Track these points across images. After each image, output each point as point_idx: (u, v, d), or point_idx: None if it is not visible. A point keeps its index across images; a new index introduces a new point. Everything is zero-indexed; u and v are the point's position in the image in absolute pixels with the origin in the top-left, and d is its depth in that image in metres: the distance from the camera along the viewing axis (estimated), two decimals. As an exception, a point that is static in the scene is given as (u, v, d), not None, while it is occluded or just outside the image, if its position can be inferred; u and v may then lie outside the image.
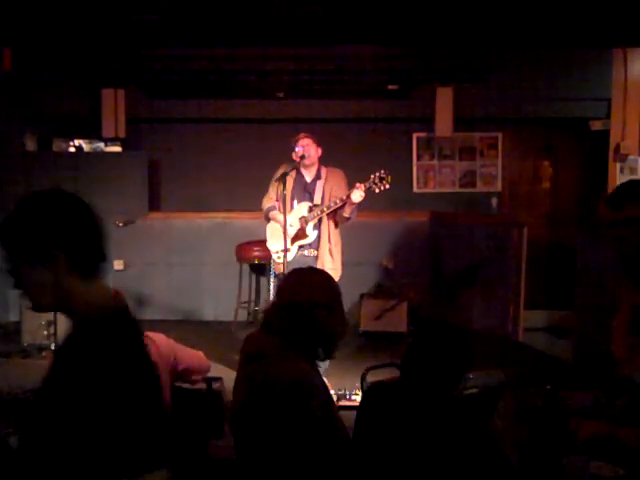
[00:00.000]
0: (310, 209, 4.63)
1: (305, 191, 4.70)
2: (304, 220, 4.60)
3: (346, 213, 4.53)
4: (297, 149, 4.63)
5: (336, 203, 4.49)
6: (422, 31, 6.07)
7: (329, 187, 4.66)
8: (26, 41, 6.32)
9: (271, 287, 5.21)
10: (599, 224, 2.53)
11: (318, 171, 4.74)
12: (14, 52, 6.47)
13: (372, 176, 4.44)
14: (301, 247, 4.65)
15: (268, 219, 4.80)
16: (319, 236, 4.63)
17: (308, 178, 4.72)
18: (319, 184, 4.70)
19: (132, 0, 5.14)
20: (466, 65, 6.64)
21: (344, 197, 4.45)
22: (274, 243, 4.75)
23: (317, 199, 4.67)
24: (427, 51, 6.56)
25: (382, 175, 4.43)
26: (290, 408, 1.98)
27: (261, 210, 4.85)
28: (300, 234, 4.62)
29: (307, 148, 4.63)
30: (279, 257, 4.65)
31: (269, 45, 6.48)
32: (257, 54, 6.57)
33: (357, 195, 4.37)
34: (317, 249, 4.64)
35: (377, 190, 4.44)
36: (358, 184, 4.40)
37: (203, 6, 5.29)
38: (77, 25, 5.81)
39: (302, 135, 4.71)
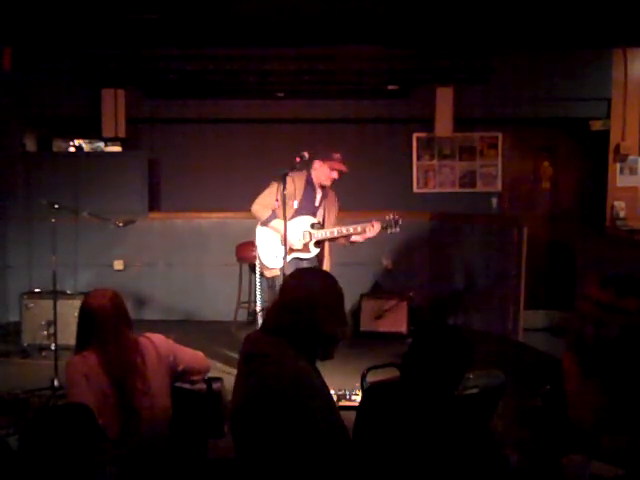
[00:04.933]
0: (313, 225, 4.74)
1: (313, 206, 4.80)
2: (310, 236, 4.72)
3: (351, 242, 4.71)
4: (331, 173, 4.66)
5: (348, 230, 4.62)
6: (422, 31, 6.08)
7: (328, 208, 4.84)
8: (26, 41, 6.32)
9: (258, 292, 5.17)
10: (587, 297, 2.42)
11: (324, 190, 4.84)
12: (14, 52, 6.47)
13: (387, 217, 4.60)
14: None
15: (263, 224, 4.83)
16: (321, 251, 4.80)
17: (318, 195, 4.82)
18: (322, 202, 4.84)
19: (131, 0, 5.14)
20: (466, 65, 6.64)
21: (359, 229, 4.59)
22: (268, 250, 4.80)
23: (319, 217, 4.81)
24: (427, 51, 6.56)
25: (396, 219, 4.59)
26: (290, 408, 1.98)
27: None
28: (303, 248, 4.73)
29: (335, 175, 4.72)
30: (274, 262, 4.72)
31: (269, 45, 6.49)
32: (257, 54, 6.57)
33: (371, 234, 4.57)
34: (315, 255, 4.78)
35: (389, 231, 4.62)
36: (375, 222, 4.55)
37: (203, 6, 5.29)
38: (77, 25, 5.82)
39: (344, 162, 4.69)
